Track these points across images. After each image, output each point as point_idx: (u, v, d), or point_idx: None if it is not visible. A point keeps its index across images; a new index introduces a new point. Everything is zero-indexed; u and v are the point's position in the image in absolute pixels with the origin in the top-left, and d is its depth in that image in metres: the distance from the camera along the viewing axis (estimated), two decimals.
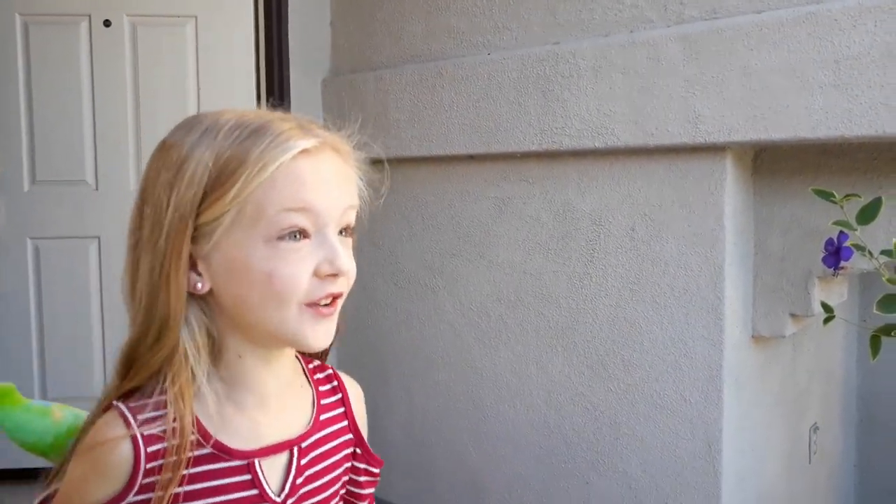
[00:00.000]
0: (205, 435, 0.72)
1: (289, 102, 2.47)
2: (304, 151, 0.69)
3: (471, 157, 2.20)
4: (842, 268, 1.55)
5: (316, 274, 0.70)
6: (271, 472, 0.75)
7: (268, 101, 2.44)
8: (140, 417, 0.70)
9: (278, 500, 0.75)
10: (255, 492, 0.74)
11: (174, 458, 0.69)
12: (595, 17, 1.92)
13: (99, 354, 2.40)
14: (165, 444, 0.69)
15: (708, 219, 1.77)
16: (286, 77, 2.46)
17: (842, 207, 1.57)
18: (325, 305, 0.72)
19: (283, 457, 0.76)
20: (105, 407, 0.73)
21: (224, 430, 0.73)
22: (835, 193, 1.60)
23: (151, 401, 0.71)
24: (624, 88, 1.83)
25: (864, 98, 1.49)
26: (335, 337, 0.76)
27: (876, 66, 1.47)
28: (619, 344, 1.95)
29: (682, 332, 1.84)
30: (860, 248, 1.55)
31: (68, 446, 0.78)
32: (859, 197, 1.51)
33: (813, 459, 2.29)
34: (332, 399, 0.85)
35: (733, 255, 1.78)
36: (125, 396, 0.73)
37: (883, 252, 1.54)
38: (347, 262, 0.72)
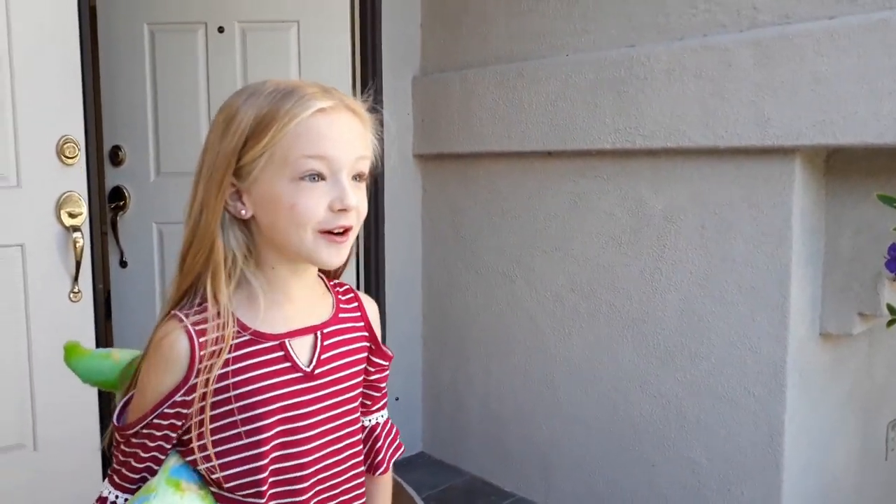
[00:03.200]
0: (243, 327, 0.91)
1: (381, 100, 2.65)
2: (322, 110, 0.87)
3: (548, 154, 2.31)
4: None
5: (330, 208, 0.88)
6: (301, 350, 0.95)
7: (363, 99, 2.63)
8: (190, 315, 0.89)
9: (308, 369, 0.95)
10: (287, 364, 0.93)
11: (219, 343, 0.88)
12: (670, 21, 1.98)
13: None
14: (213, 335, 0.88)
15: (776, 219, 1.82)
16: (379, 76, 2.63)
17: None
18: (339, 234, 0.89)
19: (309, 338, 0.96)
20: (164, 315, 0.94)
21: (261, 322, 0.92)
22: None
23: (197, 302, 0.91)
24: (696, 91, 1.89)
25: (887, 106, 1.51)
26: (347, 260, 0.95)
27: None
28: (686, 336, 2.03)
29: (747, 328, 1.90)
30: None
31: (130, 374, 0.99)
32: None
33: (890, 456, 2.29)
34: (351, 306, 1.05)
35: (801, 254, 1.82)
36: (180, 305, 0.93)
37: None
38: (355, 199, 0.88)
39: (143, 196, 2.68)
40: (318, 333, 0.97)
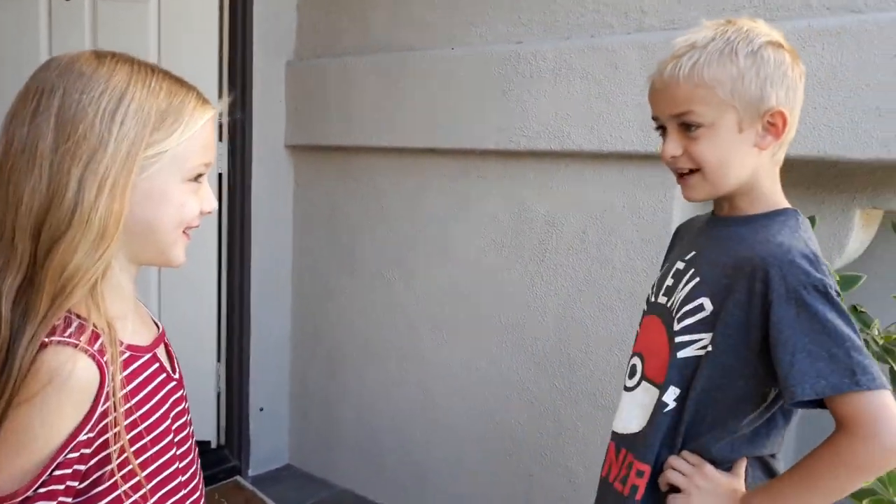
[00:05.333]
0: (119, 341, 0.83)
1: (251, 85, 2.45)
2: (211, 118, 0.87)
3: (431, 151, 2.21)
4: None
5: (201, 209, 0.88)
6: (163, 357, 0.92)
7: (230, 83, 2.42)
8: (75, 336, 0.76)
9: (176, 376, 0.93)
10: (164, 375, 0.90)
11: (114, 361, 0.79)
12: (558, 19, 1.93)
13: None
14: (108, 354, 0.78)
15: (656, 225, 1.81)
16: (250, 59, 2.44)
17: None
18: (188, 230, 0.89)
19: (161, 349, 0.93)
20: (29, 343, 0.76)
21: (125, 333, 0.85)
22: None
23: (65, 319, 0.77)
24: (582, 92, 1.85)
25: (809, 119, 1.53)
26: None
27: (821, 88, 1.52)
28: (565, 342, 1.99)
29: (627, 334, 1.88)
30: None
31: None
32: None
33: None
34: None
35: None
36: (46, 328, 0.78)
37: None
38: (215, 202, 0.91)
39: None
40: (164, 342, 0.95)
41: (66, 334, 0.76)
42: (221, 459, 2.58)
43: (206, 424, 2.58)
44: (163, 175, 0.82)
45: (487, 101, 2.02)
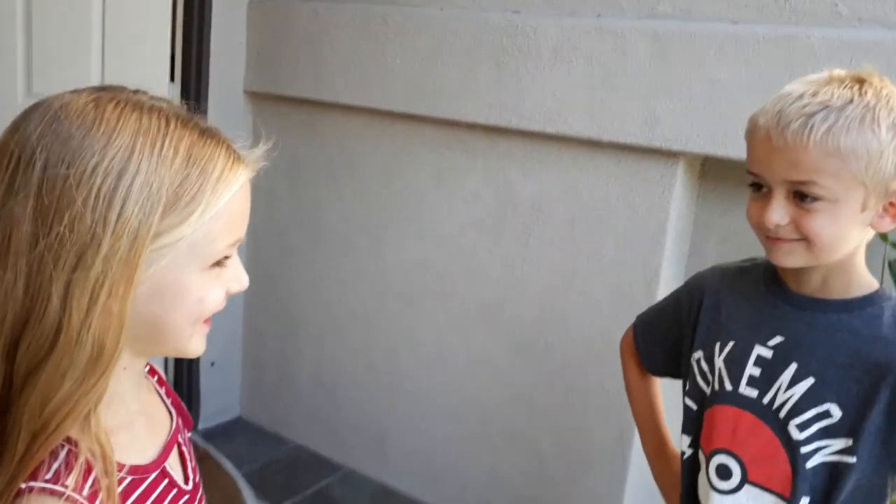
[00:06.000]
0: (119, 465, 0.66)
1: (209, 22, 2.20)
2: (242, 186, 0.67)
3: (411, 117, 2.06)
4: None
5: (227, 291, 0.70)
6: (175, 466, 0.75)
7: (186, 28, 2.16)
8: (62, 478, 0.60)
9: (189, 487, 0.76)
10: (174, 490, 0.74)
11: (111, 496, 0.63)
12: None
13: None
14: (103, 491, 0.62)
15: (651, 221, 1.76)
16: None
17: None
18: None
19: (174, 452, 0.77)
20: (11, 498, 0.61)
21: (126, 450, 0.68)
22: None
23: (56, 457, 0.61)
24: (584, 77, 1.74)
25: None
26: None
27: None
28: (544, 329, 1.96)
29: (609, 326, 1.86)
30: None
31: None
32: None
33: None
34: (155, 377, 0.83)
35: (670, 259, 1.79)
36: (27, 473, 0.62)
37: None
38: (247, 279, 0.72)
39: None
40: (179, 438, 0.78)
41: (50, 475, 0.60)
42: None
43: None
44: (177, 267, 0.63)
45: (480, 73, 1.88)
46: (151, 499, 0.69)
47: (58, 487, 0.59)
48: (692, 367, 1.03)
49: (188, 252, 0.63)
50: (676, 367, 1.09)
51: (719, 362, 0.98)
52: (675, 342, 1.08)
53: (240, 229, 0.68)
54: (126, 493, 0.66)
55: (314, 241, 2.35)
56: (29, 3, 2.03)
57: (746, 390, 0.94)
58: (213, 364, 2.56)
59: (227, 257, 0.68)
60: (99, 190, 0.58)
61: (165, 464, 0.72)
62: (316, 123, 2.27)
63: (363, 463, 2.38)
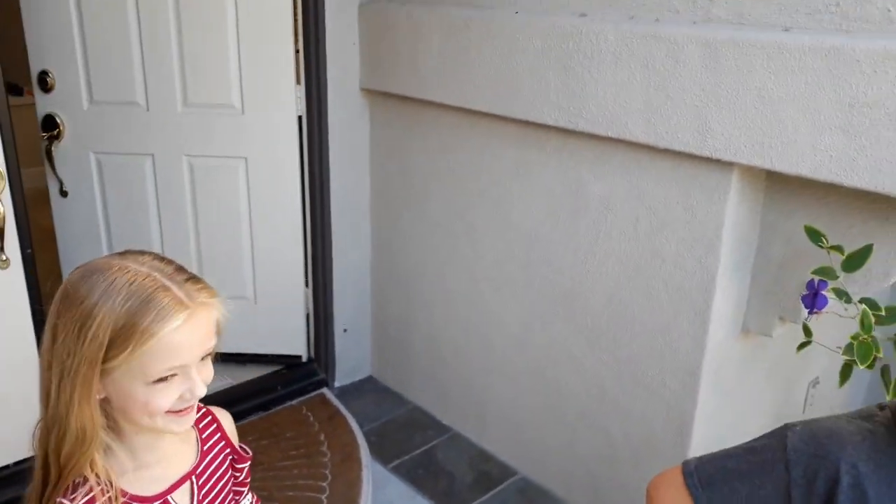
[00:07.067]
0: (122, 493, 0.95)
1: (323, 26, 2.45)
2: (178, 326, 0.89)
3: (493, 115, 2.18)
4: (816, 312, 1.56)
5: (180, 398, 0.93)
6: (182, 498, 1.00)
7: (305, 37, 2.43)
8: (78, 499, 0.91)
9: None
10: None
11: None
12: None
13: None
14: None
15: (708, 226, 1.76)
16: (322, 1, 2.43)
17: (828, 253, 1.55)
18: (182, 410, 0.95)
19: (186, 486, 1.01)
20: None
21: (135, 485, 0.96)
22: (824, 237, 1.57)
23: (71, 484, 0.92)
24: (641, 82, 1.76)
25: (871, 150, 1.41)
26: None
27: (889, 119, 1.38)
28: (612, 322, 2.04)
29: (669, 325, 1.90)
30: (840, 295, 1.55)
31: None
32: (841, 254, 1.48)
33: (808, 409, 2.38)
34: (211, 429, 1.10)
35: (728, 262, 1.78)
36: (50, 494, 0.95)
37: (862, 300, 1.54)
38: (202, 390, 0.94)
39: (77, 125, 2.56)
40: (193, 478, 1.03)
41: (72, 496, 0.91)
42: (311, 373, 2.89)
43: (297, 341, 2.88)
44: (125, 380, 0.90)
45: (549, 76, 1.96)
46: None
47: (66, 501, 0.92)
48: None
49: (129, 372, 0.90)
50: None
51: None
52: None
53: (178, 357, 0.90)
54: None
55: (421, 225, 2.58)
56: (180, 28, 2.42)
57: None
58: (345, 331, 2.91)
59: (174, 374, 0.91)
60: (72, 328, 0.89)
61: (169, 496, 0.98)
62: (418, 118, 2.47)
63: (466, 427, 2.63)
